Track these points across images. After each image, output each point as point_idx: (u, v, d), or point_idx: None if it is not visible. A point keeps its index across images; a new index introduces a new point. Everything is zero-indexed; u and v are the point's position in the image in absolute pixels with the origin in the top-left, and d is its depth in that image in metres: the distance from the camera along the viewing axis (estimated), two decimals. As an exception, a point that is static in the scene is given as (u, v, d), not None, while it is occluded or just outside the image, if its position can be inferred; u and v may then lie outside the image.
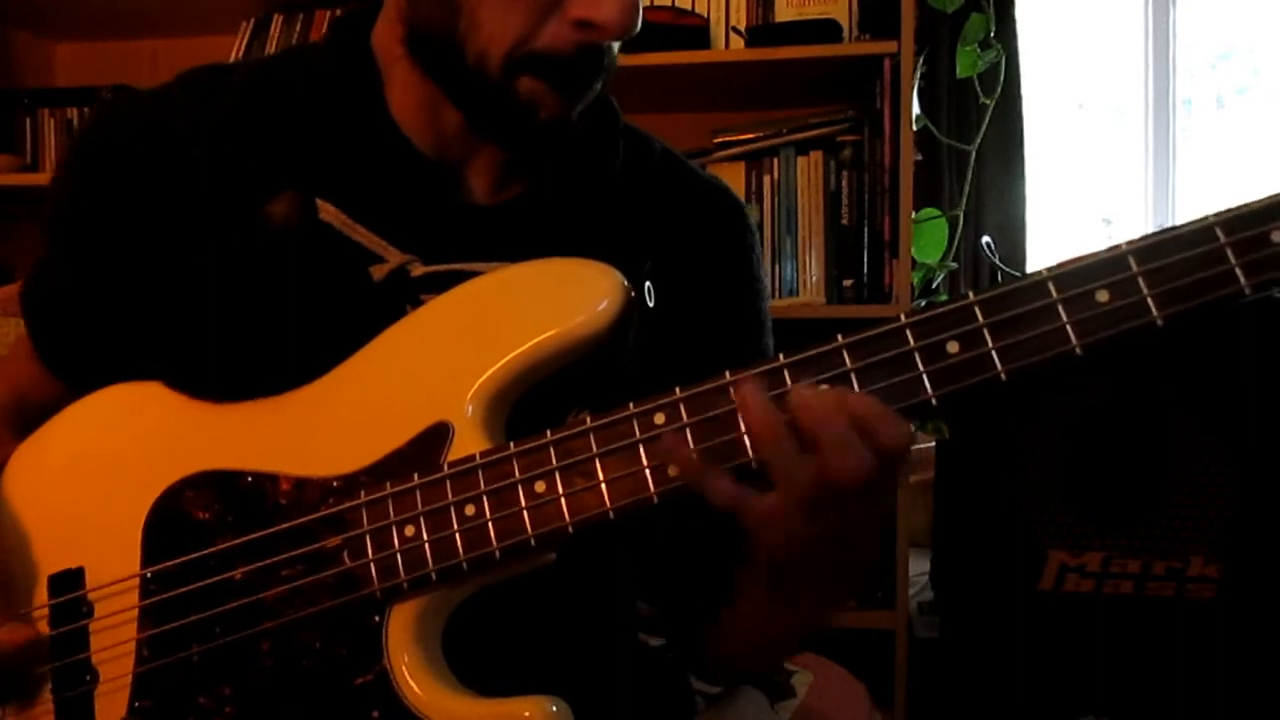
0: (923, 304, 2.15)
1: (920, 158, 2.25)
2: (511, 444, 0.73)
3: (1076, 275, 0.66)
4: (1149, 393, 1.82)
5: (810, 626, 0.88)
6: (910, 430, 0.67)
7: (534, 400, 0.78)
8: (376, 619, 0.75)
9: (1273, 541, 1.78)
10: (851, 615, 2.02)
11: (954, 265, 2.36)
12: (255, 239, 0.84)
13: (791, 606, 0.83)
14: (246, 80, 0.90)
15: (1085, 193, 2.86)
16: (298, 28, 2.35)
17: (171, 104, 0.89)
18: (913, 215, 2.02)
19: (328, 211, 0.84)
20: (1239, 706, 1.79)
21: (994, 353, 0.66)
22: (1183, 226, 0.65)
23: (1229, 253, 0.63)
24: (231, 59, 2.26)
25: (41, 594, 0.83)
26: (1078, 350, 0.65)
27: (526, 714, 0.71)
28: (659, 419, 0.70)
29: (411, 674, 0.74)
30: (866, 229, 2.08)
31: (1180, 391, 1.81)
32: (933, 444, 2.13)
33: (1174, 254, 0.64)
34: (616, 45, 0.84)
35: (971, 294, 0.67)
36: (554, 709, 0.71)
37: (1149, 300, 0.64)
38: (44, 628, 0.82)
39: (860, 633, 1.97)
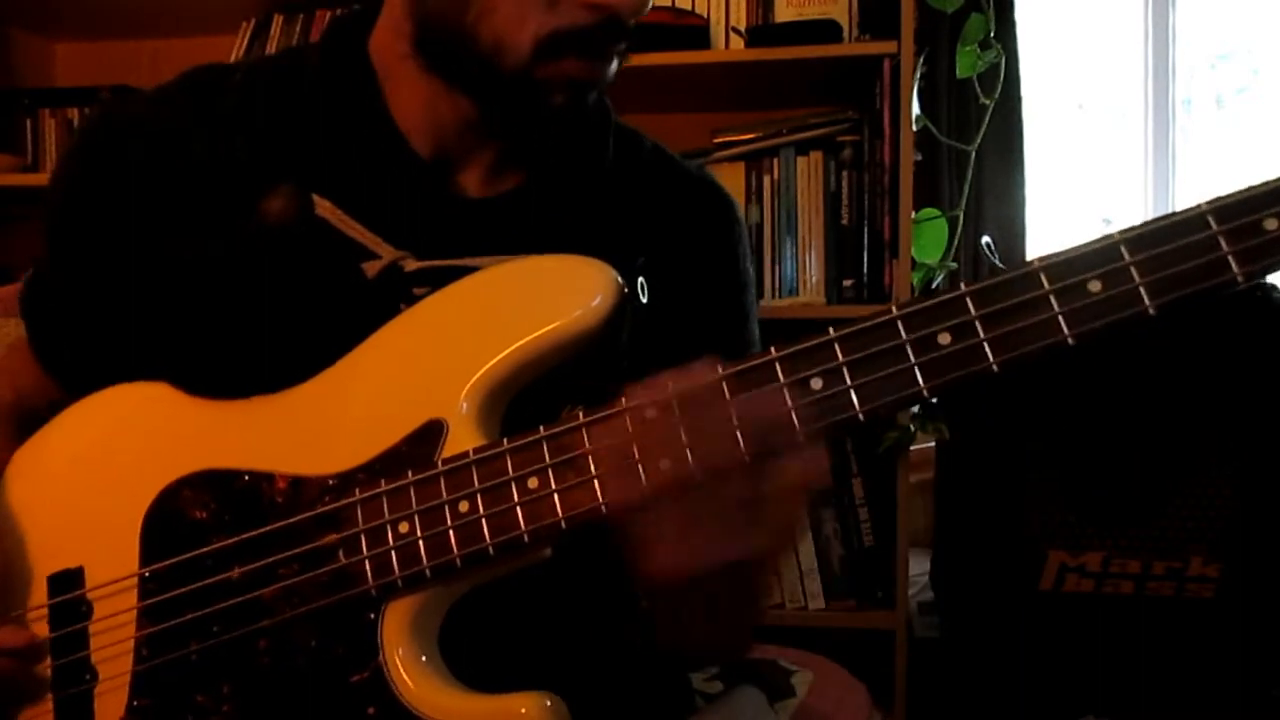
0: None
1: (920, 158, 2.24)
2: (505, 440, 0.74)
3: (1068, 265, 0.66)
4: (1149, 393, 1.82)
5: (733, 636, 0.88)
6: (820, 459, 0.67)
7: (528, 398, 0.78)
8: (372, 616, 0.75)
9: (1273, 541, 1.78)
10: (851, 615, 2.02)
11: (954, 265, 2.35)
12: (252, 235, 0.84)
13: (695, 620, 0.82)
14: (245, 79, 0.91)
15: (1085, 193, 2.85)
16: (298, 28, 2.34)
17: (171, 103, 0.90)
18: (912, 215, 2.02)
19: (323, 207, 0.85)
20: (1238, 706, 1.79)
21: (986, 344, 0.66)
22: (1175, 215, 0.64)
23: (1221, 241, 0.63)
24: (232, 59, 2.26)
25: (41, 594, 0.83)
26: (1070, 341, 0.65)
27: (522, 710, 0.71)
28: (651, 414, 0.70)
29: (407, 670, 0.74)
30: (866, 229, 2.08)
31: (1180, 392, 1.81)
32: (933, 444, 2.12)
33: (1166, 243, 0.64)
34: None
35: (964, 285, 0.67)
36: (549, 705, 0.71)
37: (1141, 290, 0.64)
38: (43, 628, 0.83)
39: (860, 633, 1.97)
